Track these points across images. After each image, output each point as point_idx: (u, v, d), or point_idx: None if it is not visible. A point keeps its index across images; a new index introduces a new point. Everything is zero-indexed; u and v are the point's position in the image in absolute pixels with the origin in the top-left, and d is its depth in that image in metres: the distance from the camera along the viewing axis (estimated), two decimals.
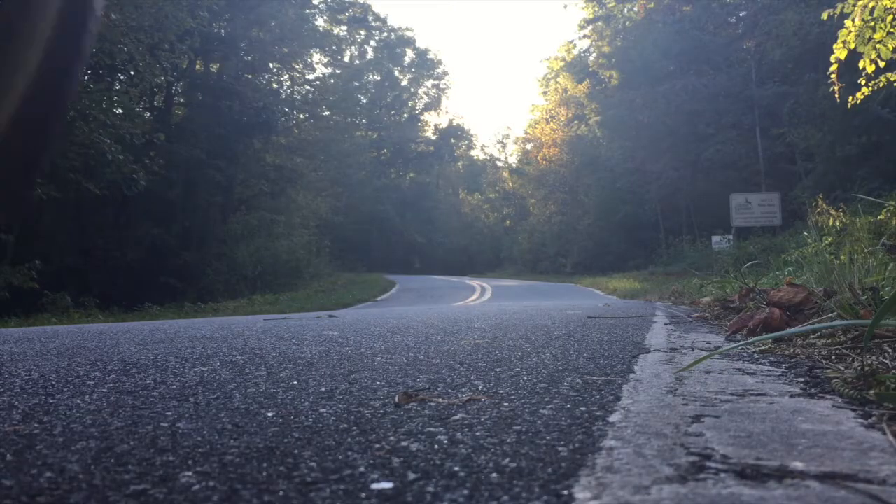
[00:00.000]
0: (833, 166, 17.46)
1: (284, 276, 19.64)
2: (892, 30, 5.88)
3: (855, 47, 6.01)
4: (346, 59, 43.80)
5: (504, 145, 53.01)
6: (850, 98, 6.87)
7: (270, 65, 23.70)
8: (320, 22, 34.28)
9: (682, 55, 25.92)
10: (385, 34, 48.44)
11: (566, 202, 34.58)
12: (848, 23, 6.03)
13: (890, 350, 1.22)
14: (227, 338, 2.10)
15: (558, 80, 37.14)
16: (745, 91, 23.84)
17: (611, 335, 1.91)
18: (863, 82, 6.60)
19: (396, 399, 0.94)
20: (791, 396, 0.92)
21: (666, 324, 2.40)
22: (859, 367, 1.05)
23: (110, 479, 0.59)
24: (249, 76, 21.32)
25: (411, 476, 0.58)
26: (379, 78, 48.66)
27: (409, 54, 50.47)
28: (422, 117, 51.99)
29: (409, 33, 57.78)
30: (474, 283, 22.32)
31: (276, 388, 1.08)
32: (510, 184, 45.95)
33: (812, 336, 1.48)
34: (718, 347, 1.57)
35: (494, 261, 41.99)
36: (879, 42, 5.94)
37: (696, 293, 5.66)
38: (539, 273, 31.61)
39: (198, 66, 20.95)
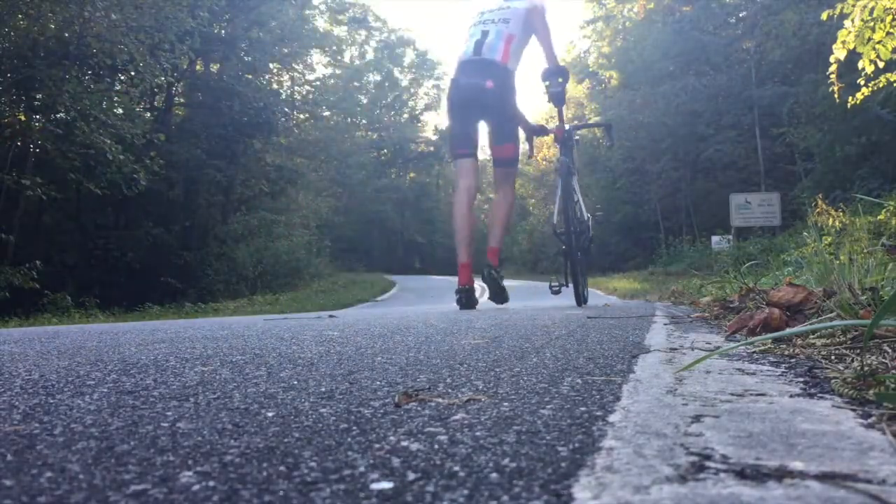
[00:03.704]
0: (833, 166, 17.47)
1: (284, 277, 19.64)
2: (891, 30, 5.89)
3: (854, 47, 6.02)
4: (347, 59, 43.78)
5: None
6: (850, 98, 6.87)
7: (271, 65, 23.71)
8: (320, 22, 34.30)
9: (681, 55, 25.93)
10: (385, 34, 48.44)
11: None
12: (847, 23, 6.03)
13: (889, 350, 1.22)
14: (228, 338, 2.10)
15: None
16: (744, 91, 23.85)
17: (611, 335, 1.91)
18: (862, 82, 6.60)
19: (396, 399, 0.94)
20: (791, 396, 0.92)
21: (666, 324, 2.40)
22: (859, 367, 1.05)
23: (110, 478, 0.59)
24: (250, 76, 21.32)
25: (411, 476, 0.58)
26: (379, 78, 48.64)
27: (410, 55, 50.49)
28: (422, 117, 52.01)
29: (409, 34, 57.80)
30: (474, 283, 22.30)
31: (276, 388, 1.08)
32: None
33: (812, 336, 1.48)
34: (718, 347, 1.57)
35: None
36: (879, 42, 5.94)
37: (695, 293, 5.66)
38: (539, 273, 31.60)
39: (198, 67, 20.96)
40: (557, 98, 4.49)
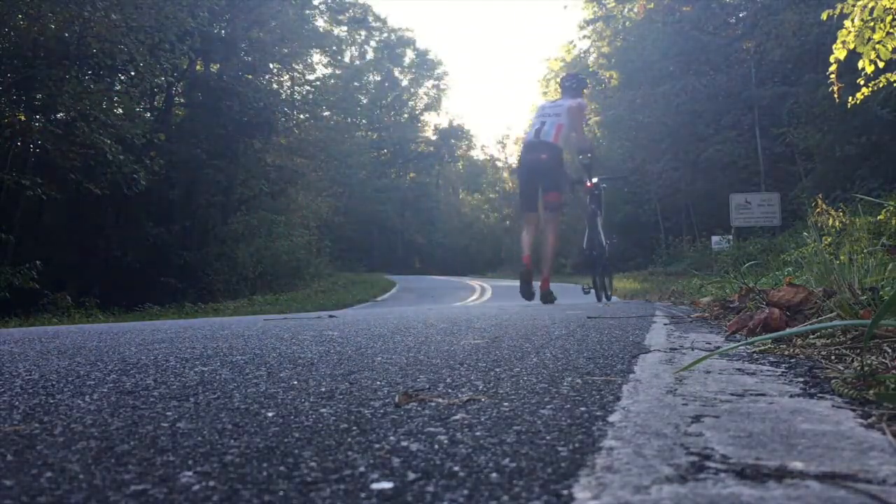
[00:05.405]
0: (833, 166, 17.44)
1: (285, 277, 19.63)
2: (891, 30, 5.88)
3: (854, 48, 6.01)
4: (347, 59, 43.74)
5: (504, 145, 52.85)
6: (850, 98, 6.86)
7: (271, 65, 23.68)
8: (320, 22, 34.26)
9: (681, 55, 25.90)
10: (385, 34, 48.42)
11: (566, 202, 34.56)
12: (847, 23, 6.03)
13: (889, 350, 1.22)
14: (228, 338, 2.10)
15: (558, 80, 37.09)
16: (744, 91, 23.82)
17: (611, 335, 1.91)
18: (862, 82, 6.60)
19: (396, 399, 0.94)
20: (791, 396, 0.92)
21: (666, 324, 2.40)
22: (859, 367, 1.05)
23: (110, 478, 0.59)
24: (250, 76, 21.28)
25: (411, 476, 0.58)
26: (379, 78, 48.62)
27: (410, 55, 50.48)
28: (422, 117, 51.96)
29: (409, 34, 57.74)
30: (474, 283, 22.32)
31: (276, 388, 1.08)
32: (510, 184, 45.94)
33: (811, 336, 1.48)
34: (718, 347, 1.57)
35: (494, 261, 41.89)
36: (879, 42, 5.93)
37: (695, 293, 5.67)
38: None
39: (198, 67, 20.93)
40: (587, 167, 6.84)
